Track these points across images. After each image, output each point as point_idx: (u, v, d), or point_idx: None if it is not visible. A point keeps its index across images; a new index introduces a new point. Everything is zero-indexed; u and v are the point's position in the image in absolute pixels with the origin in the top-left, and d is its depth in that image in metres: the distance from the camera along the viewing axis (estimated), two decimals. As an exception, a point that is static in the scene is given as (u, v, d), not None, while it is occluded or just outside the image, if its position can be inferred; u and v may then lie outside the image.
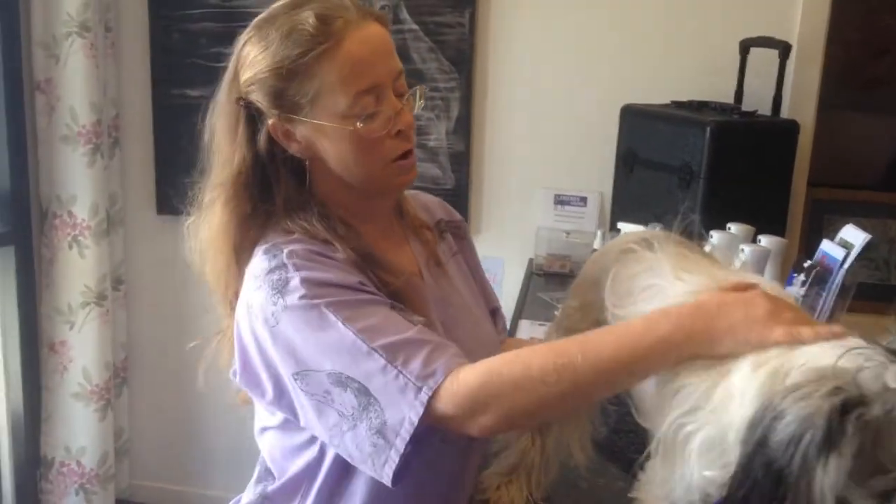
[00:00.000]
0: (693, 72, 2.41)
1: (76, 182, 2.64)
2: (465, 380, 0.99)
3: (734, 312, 0.92)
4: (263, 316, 1.08)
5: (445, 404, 0.99)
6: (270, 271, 1.08)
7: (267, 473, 1.28)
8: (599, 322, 1.25)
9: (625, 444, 1.53)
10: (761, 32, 2.29)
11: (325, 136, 1.13)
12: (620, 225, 2.06)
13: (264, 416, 1.24)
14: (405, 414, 1.00)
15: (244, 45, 1.15)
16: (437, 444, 1.12)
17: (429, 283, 1.28)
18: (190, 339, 3.13)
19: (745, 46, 2.31)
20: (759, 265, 1.64)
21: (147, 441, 3.03)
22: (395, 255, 1.25)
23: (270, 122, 1.14)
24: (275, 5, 1.15)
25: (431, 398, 0.99)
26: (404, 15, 2.54)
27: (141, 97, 2.77)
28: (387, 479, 1.03)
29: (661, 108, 2.27)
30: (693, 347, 0.93)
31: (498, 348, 1.34)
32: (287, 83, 1.10)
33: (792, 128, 2.17)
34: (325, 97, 1.10)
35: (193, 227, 1.21)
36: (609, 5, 2.48)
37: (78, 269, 2.69)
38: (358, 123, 1.11)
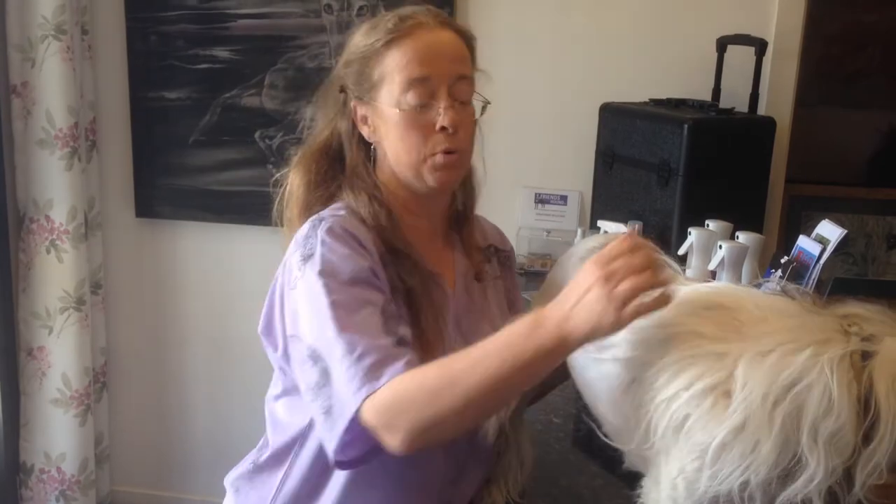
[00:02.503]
0: (671, 70, 2.42)
1: (53, 186, 2.62)
2: (382, 394, 1.05)
3: (583, 308, 0.99)
4: (289, 277, 1.19)
5: (369, 415, 1.05)
6: (306, 239, 1.19)
7: (264, 444, 1.34)
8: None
9: (604, 441, 1.53)
10: (738, 30, 2.30)
11: (383, 120, 1.24)
12: (601, 223, 2.07)
13: (273, 383, 1.33)
14: (348, 403, 1.06)
15: (350, 37, 1.30)
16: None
17: (458, 293, 1.32)
18: (170, 343, 3.16)
19: (722, 44, 2.32)
20: (737, 262, 1.65)
21: (128, 446, 3.00)
22: (432, 257, 1.30)
23: (352, 103, 1.27)
24: None
25: (364, 402, 1.05)
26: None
27: (118, 100, 2.75)
28: (330, 458, 1.11)
29: (640, 106, 2.28)
30: (574, 346, 1.01)
31: None
32: (364, 66, 1.24)
33: (769, 124, 2.18)
34: (385, 82, 1.22)
35: (283, 186, 1.34)
36: (587, 5, 2.48)
37: (56, 273, 2.67)
38: (406, 108, 1.21)
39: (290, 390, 1.27)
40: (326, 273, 1.14)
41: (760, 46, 2.22)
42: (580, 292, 1.00)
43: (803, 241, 1.57)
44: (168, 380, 2.95)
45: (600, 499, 1.34)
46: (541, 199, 2.59)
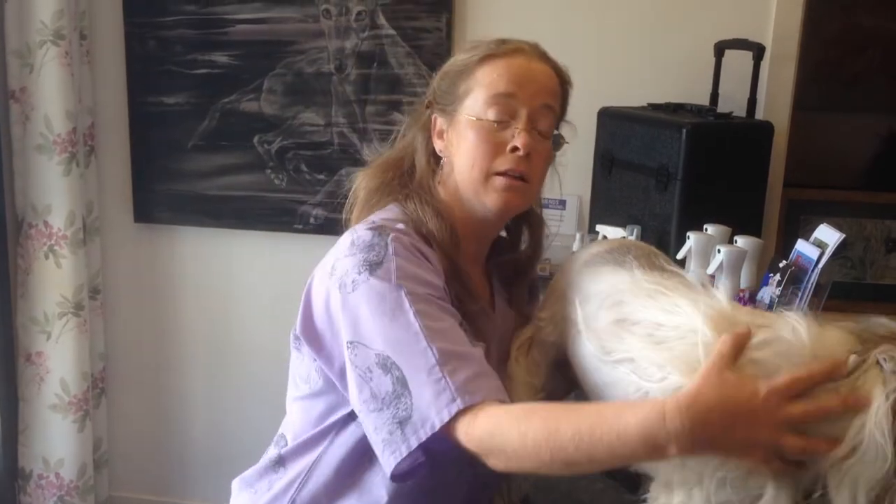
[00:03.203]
0: (669, 74, 2.42)
1: (52, 191, 2.62)
2: (480, 423, 1.03)
3: (737, 431, 0.90)
4: (342, 280, 1.14)
5: (459, 434, 1.04)
6: (370, 247, 1.15)
7: (280, 439, 1.33)
8: (561, 333, 1.24)
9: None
10: (736, 34, 2.30)
11: (457, 129, 1.25)
12: (599, 227, 2.07)
13: (298, 385, 1.30)
14: (431, 417, 1.04)
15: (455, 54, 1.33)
16: (451, 474, 1.18)
17: (498, 318, 1.33)
18: (168, 349, 3.15)
19: (720, 49, 2.32)
20: (735, 266, 1.65)
21: (126, 452, 3.00)
22: (476, 280, 1.30)
23: (434, 116, 1.29)
24: None
25: (459, 413, 1.03)
26: (381, 20, 2.54)
27: (117, 105, 2.75)
28: (388, 468, 1.08)
29: (638, 111, 2.28)
30: (675, 454, 0.92)
31: None
32: (455, 79, 1.26)
33: (767, 129, 2.18)
34: (471, 93, 1.23)
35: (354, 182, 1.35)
36: (585, 9, 2.48)
37: (54, 278, 2.66)
38: (483, 120, 1.21)
39: (317, 394, 1.25)
40: (406, 281, 1.11)
41: (758, 51, 2.22)
42: (741, 412, 0.90)
43: (802, 246, 1.57)
44: (167, 385, 2.95)
45: (600, 503, 1.34)
46: (539, 204, 2.58)
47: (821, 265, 1.50)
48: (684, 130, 2.02)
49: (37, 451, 2.76)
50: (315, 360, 1.22)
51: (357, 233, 1.19)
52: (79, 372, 2.72)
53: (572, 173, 2.55)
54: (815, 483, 0.88)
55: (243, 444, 1.39)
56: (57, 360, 2.70)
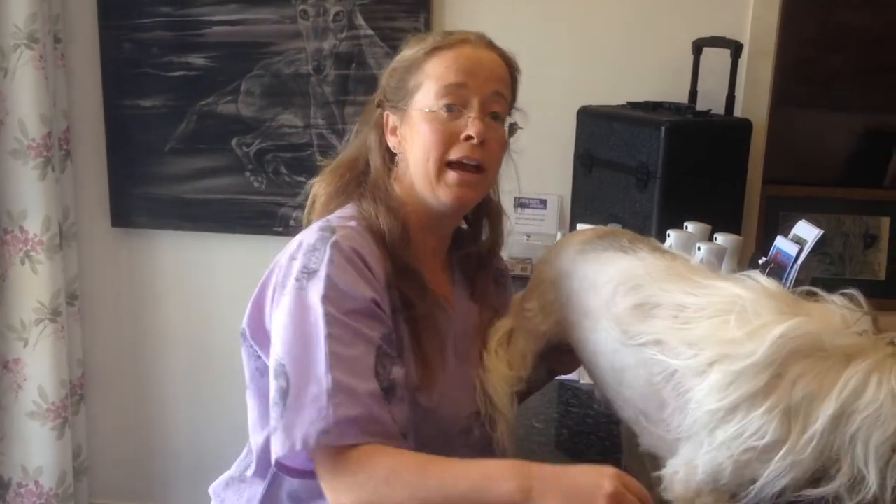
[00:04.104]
0: (647, 73, 2.43)
1: (27, 196, 2.59)
2: (353, 458, 1.06)
3: (578, 498, 0.97)
4: (284, 280, 1.16)
5: (324, 469, 1.08)
6: (312, 251, 1.16)
7: (248, 452, 1.34)
8: (559, 321, 1.24)
9: (586, 445, 1.53)
10: (714, 32, 2.31)
11: (411, 124, 1.24)
12: (580, 226, 2.07)
13: (249, 382, 1.32)
14: (296, 439, 1.07)
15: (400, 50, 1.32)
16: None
17: (457, 313, 1.31)
18: (148, 354, 3.12)
19: (698, 46, 2.33)
20: (715, 263, 1.65)
21: (106, 459, 2.97)
22: (435, 275, 1.30)
23: (385, 114, 1.29)
24: None
25: (327, 447, 1.06)
26: (359, 20, 2.53)
27: (92, 109, 2.72)
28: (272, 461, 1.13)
29: (617, 109, 2.28)
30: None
31: None
32: (404, 75, 1.26)
33: (745, 126, 2.19)
34: (421, 87, 1.23)
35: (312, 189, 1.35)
36: (564, 9, 2.48)
37: (30, 284, 2.63)
38: (435, 110, 1.21)
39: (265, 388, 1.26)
40: (329, 300, 1.11)
41: (736, 48, 2.23)
42: (583, 483, 0.98)
43: (781, 242, 1.58)
44: (146, 391, 2.92)
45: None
46: (520, 203, 2.58)
47: (800, 261, 1.50)
48: (663, 128, 2.02)
49: (15, 460, 2.73)
50: (259, 357, 1.24)
51: (307, 233, 1.20)
52: (57, 379, 2.69)
53: (552, 172, 2.57)
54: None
55: (224, 450, 1.38)
56: (34, 367, 2.67)
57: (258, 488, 1.27)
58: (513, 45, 2.48)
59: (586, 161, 2.31)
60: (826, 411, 0.88)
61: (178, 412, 2.91)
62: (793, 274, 1.50)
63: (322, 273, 1.12)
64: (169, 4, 2.59)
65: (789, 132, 2.61)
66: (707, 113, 2.19)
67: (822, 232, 1.51)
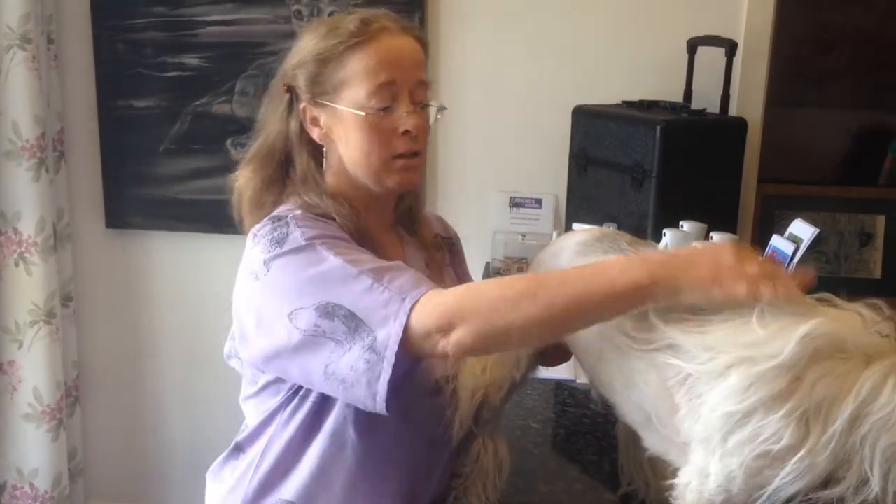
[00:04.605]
0: (642, 72, 2.43)
1: (21, 198, 2.58)
2: (445, 296, 1.08)
3: (703, 266, 1.01)
4: (255, 271, 1.18)
5: (426, 316, 1.06)
6: (273, 229, 1.20)
7: (243, 429, 1.36)
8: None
9: (582, 445, 1.53)
10: (708, 31, 2.31)
11: (342, 122, 1.25)
12: (575, 225, 2.07)
13: (246, 386, 1.34)
14: (391, 327, 1.07)
15: (300, 36, 1.30)
16: (397, 421, 1.19)
17: None
18: (143, 355, 3.11)
19: (693, 45, 2.33)
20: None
21: (102, 461, 2.96)
22: (388, 249, 1.32)
23: (302, 105, 1.27)
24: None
25: (413, 308, 1.07)
26: (353, 20, 2.52)
27: (86, 109, 2.71)
28: (381, 395, 1.08)
29: (612, 109, 2.28)
30: (660, 294, 1.02)
31: None
32: (322, 69, 1.24)
33: (740, 125, 2.19)
34: (348, 85, 1.23)
35: (234, 182, 1.36)
36: (558, 8, 2.48)
37: (25, 286, 2.62)
38: (370, 112, 1.22)
39: (262, 390, 1.28)
40: (315, 238, 1.16)
41: (730, 47, 2.23)
42: (703, 253, 1.04)
43: (776, 241, 1.57)
44: (142, 392, 2.91)
45: (580, 504, 1.33)
46: (515, 203, 2.58)
47: (796, 260, 1.50)
48: (658, 128, 2.02)
49: (10, 462, 2.72)
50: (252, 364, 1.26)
51: (255, 228, 1.24)
52: (52, 380, 2.68)
53: (547, 172, 2.57)
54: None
55: (220, 450, 1.38)
56: (29, 368, 2.66)
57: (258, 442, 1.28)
58: (508, 44, 2.51)
59: (581, 160, 2.30)
60: (844, 413, 0.87)
61: (174, 413, 2.90)
62: (789, 272, 1.50)
63: (293, 233, 1.17)
64: (162, 4, 2.58)
65: (784, 131, 2.62)
66: (702, 112, 2.19)
67: (819, 230, 1.51)
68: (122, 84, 2.66)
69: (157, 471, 2.94)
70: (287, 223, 1.19)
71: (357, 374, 1.09)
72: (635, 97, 2.30)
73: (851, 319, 0.95)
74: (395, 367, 1.07)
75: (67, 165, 2.75)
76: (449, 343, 1.05)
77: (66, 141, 2.74)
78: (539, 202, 2.57)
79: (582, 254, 1.23)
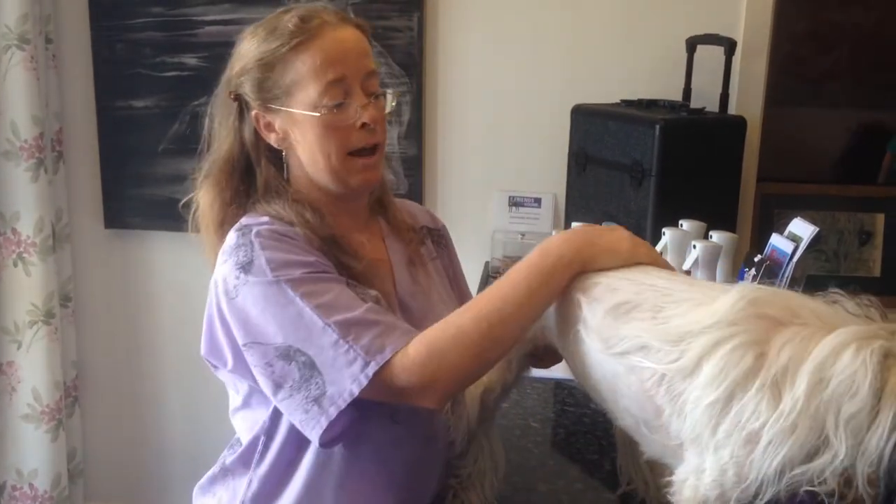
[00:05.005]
0: (641, 71, 2.43)
1: (19, 198, 2.58)
2: (412, 354, 1.07)
3: (607, 236, 1.14)
4: (226, 288, 1.17)
5: (399, 378, 1.07)
6: (238, 247, 1.17)
7: (234, 443, 1.35)
8: (545, 328, 1.23)
9: (582, 445, 1.53)
10: (707, 30, 2.31)
11: (297, 125, 1.22)
12: (575, 224, 2.06)
13: (232, 396, 1.32)
14: (347, 386, 1.07)
15: (239, 42, 1.27)
16: (387, 424, 1.20)
17: (400, 279, 1.33)
18: (142, 356, 3.10)
19: (692, 44, 2.33)
20: (711, 261, 1.65)
21: (101, 461, 2.96)
22: (366, 247, 1.30)
23: (254, 113, 1.25)
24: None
25: (379, 373, 1.07)
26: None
27: (85, 109, 2.71)
28: (314, 440, 1.12)
29: (612, 108, 2.28)
30: (580, 262, 1.11)
31: None
32: (268, 73, 1.21)
33: (739, 124, 2.19)
34: (298, 87, 1.20)
35: (194, 202, 1.33)
36: (557, 7, 2.48)
37: (24, 287, 2.62)
38: (324, 111, 1.19)
39: (247, 400, 1.27)
40: (280, 270, 1.13)
41: (729, 46, 2.23)
42: (610, 229, 1.16)
43: (776, 240, 1.57)
44: (141, 392, 2.91)
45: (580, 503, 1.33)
46: (515, 202, 2.58)
47: (795, 259, 1.50)
48: (658, 126, 2.02)
49: (10, 463, 2.72)
50: (231, 371, 1.24)
51: (225, 242, 1.21)
52: (51, 381, 2.68)
53: (547, 171, 2.57)
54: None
55: (219, 451, 1.38)
56: (28, 369, 2.66)
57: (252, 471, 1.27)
58: (506, 44, 2.51)
59: (581, 159, 2.30)
60: (805, 372, 0.86)
61: (173, 413, 2.90)
62: (788, 271, 1.50)
63: (258, 259, 1.14)
64: (161, 4, 2.58)
65: (784, 129, 2.62)
66: (701, 111, 2.19)
67: (818, 229, 1.50)
68: (121, 84, 2.66)
69: (156, 471, 2.94)
70: (251, 243, 1.16)
71: (295, 418, 1.12)
72: (634, 96, 2.30)
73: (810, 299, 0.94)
74: (332, 423, 1.09)
75: (66, 166, 2.75)
76: (431, 396, 1.08)
77: (64, 141, 2.74)
78: (538, 201, 2.57)
79: None
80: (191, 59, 2.59)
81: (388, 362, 1.07)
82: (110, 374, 2.90)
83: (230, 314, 1.16)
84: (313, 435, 1.11)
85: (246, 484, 1.26)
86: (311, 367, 1.09)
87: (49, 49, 2.63)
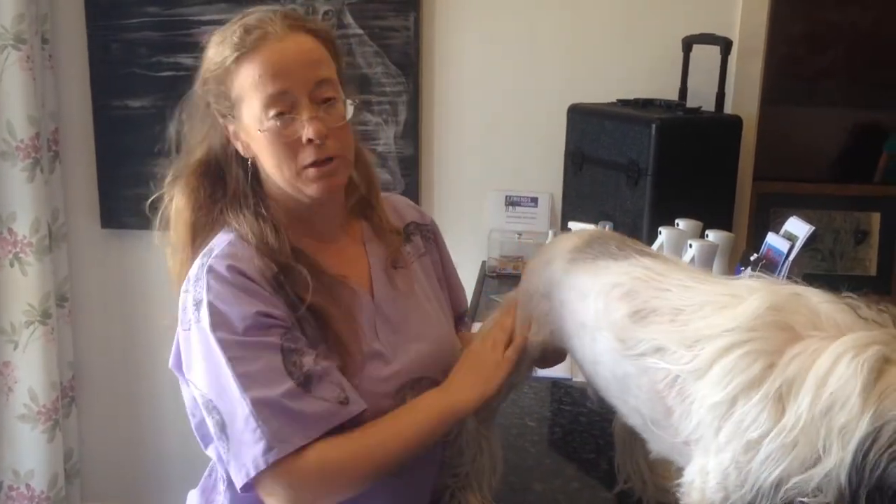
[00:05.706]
0: (638, 70, 2.43)
1: (16, 198, 2.57)
2: (303, 466, 1.10)
3: (470, 376, 1.25)
4: (184, 317, 1.18)
5: (285, 476, 1.09)
6: (197, 280, 1.16)
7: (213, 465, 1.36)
8: (554, 332, 1.24)
9: (579, 444, 1.53)
10: (703, 29, 2.31)
11: (251, 138, 1.20)
12: (571, 224, 2.07)
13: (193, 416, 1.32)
14: (246, 464, 1.09)
15: (206, 47, 1.25)
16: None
17: (378, 285, 1.30)
18: (139, 355, 3.09)
19: (688, 44, 2.33)
20: (707, 260, 1.65)
21: (98, 461, 2.95)
22: (336, 258, 1.28)
23: (221, 121, 1.22)
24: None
25: (278, 462, 1.08)
26: (348, 19, 2.52)
27: (81, 109, 2.71)
28: (237, 487, 1.13)
29: (608, 107, 2.28)
30: (462, 413, 1.21)
31: (451, 347, 1.36)
32: (220, 85, 1.20)
33: (735, 123, 2.19)
34: (243, 101, 1.18)
35: (161, 204, 1.30)
36: (553, 7, 2.48)
37: (20, 287, 2.62)
38: (268, 126, 1.16)
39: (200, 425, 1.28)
40: (218, 326, 1.11)
41: (725, 45, 2.23)
42: (466, 364, 1.25)
43: (772, 238, 1.57)
44: (138, 392, 2.91)
45: (576, 503, 1.33)
46: (511, 202, 2.58)
47: (791, 257, 1.50)
48: (654, 126, 2.02)
49: (6, 463, 2.71)
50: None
51: (194, 264, 1.20)
52: (47, 381, 2.68)
53: (543, 170, 2.57)
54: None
55: (216, 451, 1.38)
56: (25, 369, 2.66)
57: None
58: (503, 44, 2.51)
59: (577, 159, 2.30)
60: (807, 387, 0.86)
61: (170, 413, 2.90)
62: (784, 270, 1.50)
63: (204, 301, 1.13)
64: (157, 4, 2.57)
65: (779, 129, 2.62)
66: (697, 110, 2.19)
67: (814, 228, 1.51)
68: (117, 84, 2.65)
69: (153, 471, 2.94)
70: (205, 279, 1.14)
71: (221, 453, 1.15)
72: (631, 95, 2.30)
73: (824, 295, 0.94)
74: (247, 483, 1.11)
75: (62, 166, 2.75)
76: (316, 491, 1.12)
77: (60, 141, 2.73)
78: (535, 201, 2.57)
79: (574, 262, 1.22)
80: (187, 59, 2.59)
81: (286, 457, 1.08)
82: (107, 374, 2.90)
83: (182, 343, 1.18)
84: (237, 482, 1.12)
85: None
86: (222, 429, 1.11)
87: (45, 49, 2.63)
